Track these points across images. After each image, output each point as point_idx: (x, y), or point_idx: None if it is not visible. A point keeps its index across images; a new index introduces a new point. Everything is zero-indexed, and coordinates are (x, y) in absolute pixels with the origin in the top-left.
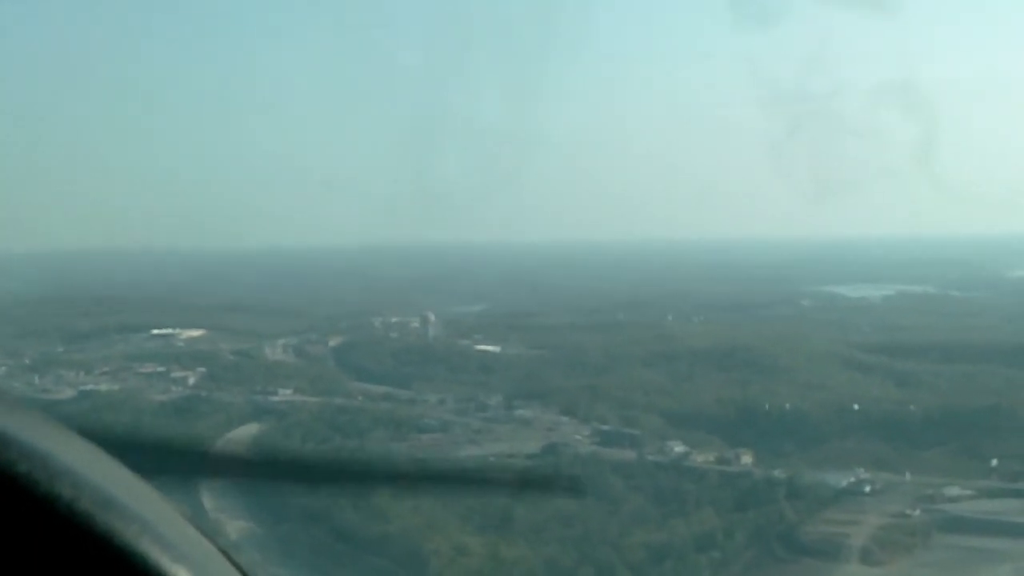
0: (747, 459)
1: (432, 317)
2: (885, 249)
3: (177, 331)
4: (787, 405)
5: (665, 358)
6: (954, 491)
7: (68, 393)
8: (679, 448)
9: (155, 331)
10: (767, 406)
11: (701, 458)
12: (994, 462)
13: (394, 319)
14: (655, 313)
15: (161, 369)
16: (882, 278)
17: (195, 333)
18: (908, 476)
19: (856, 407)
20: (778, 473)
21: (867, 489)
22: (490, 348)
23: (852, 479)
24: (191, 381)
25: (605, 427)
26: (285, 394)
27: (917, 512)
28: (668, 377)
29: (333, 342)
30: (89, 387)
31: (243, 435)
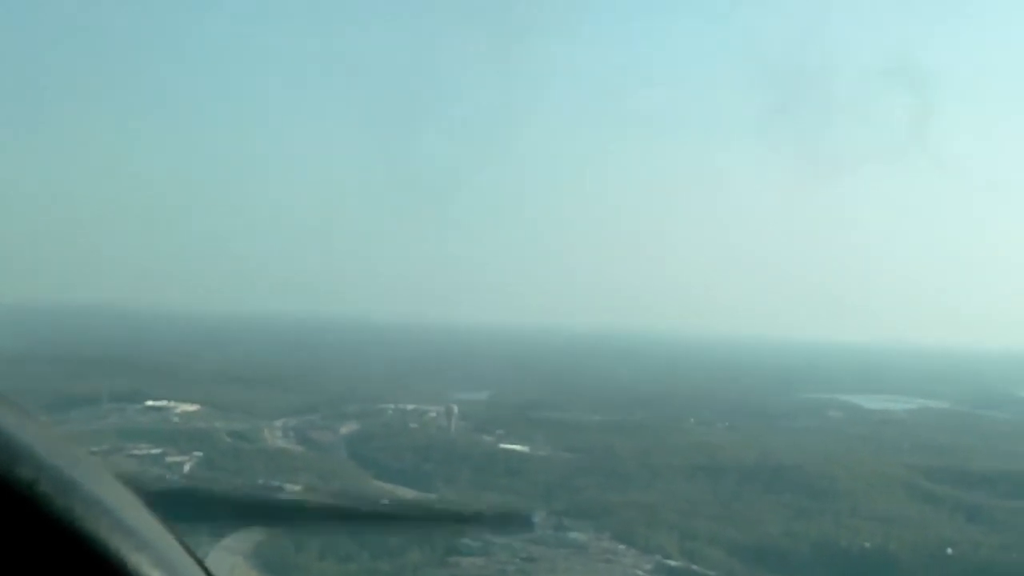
0: None
1: (455, 409)
2: (878, 357)
3: (172, 404)
4: (867, 544)
5: (708, 472)
6: None
7: None
8: None
9: (149, 402)
10: (843, 543)
11: None
12: None
13: (410, 407)
14: (675, 414)
15: (156, 451)
16: (890, 389)
17: (190, 408)
18: None
19: (950, 551)
20: None
21: None
22: (517, 448)
23: None
24: (186, 468)
25: (671, 562)
26: (294, 491)
27: None
28: (718, 497)
29: (344, 430)
30: None
31: (245, 541)
